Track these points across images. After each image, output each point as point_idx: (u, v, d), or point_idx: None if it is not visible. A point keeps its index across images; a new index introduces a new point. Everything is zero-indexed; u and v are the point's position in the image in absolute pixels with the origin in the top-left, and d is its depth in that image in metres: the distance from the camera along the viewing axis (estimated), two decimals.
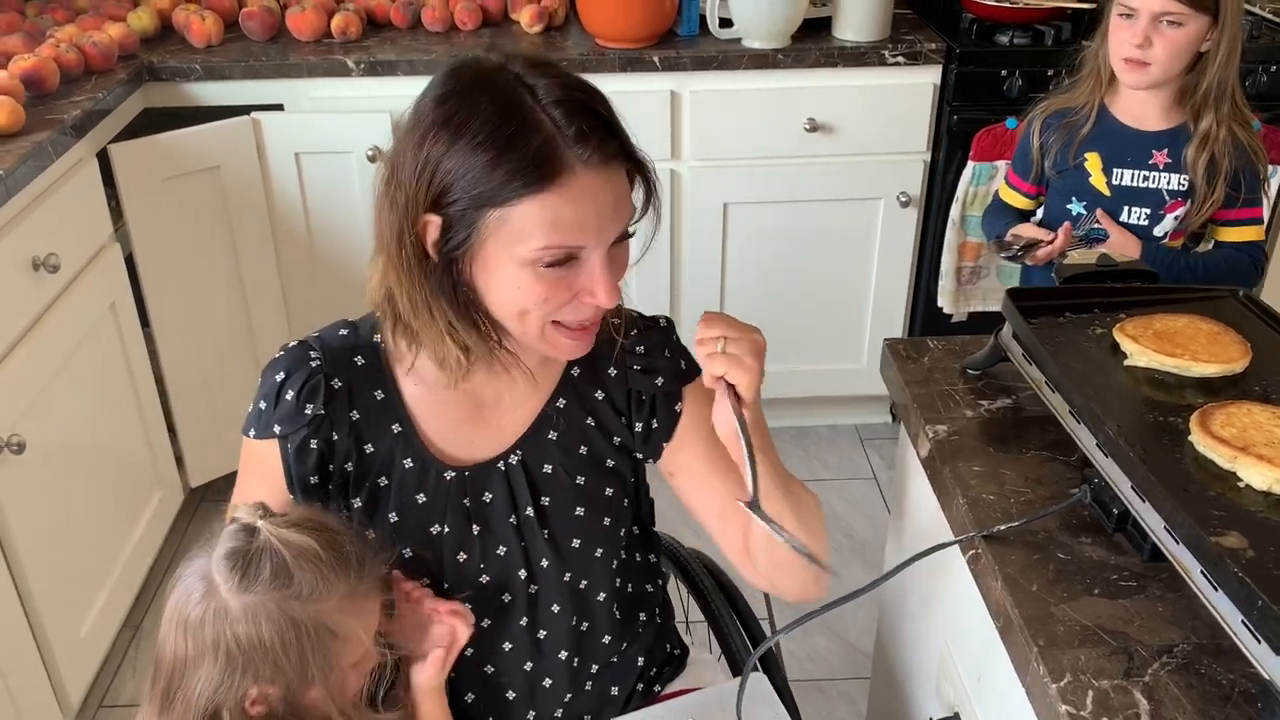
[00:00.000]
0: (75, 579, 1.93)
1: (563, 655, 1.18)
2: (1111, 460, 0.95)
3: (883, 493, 2.62)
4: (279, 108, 2.31)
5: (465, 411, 1.10)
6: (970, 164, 2.40)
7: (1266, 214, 1.79)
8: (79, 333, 1.94)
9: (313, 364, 1.06)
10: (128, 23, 2.32)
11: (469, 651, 1.12)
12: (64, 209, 1.91)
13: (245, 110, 2.28)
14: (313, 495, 1.08)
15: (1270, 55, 2.32)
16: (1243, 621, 0.79)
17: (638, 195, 0.98)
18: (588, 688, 1.21)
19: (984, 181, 2.42)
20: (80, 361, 1.94)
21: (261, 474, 1.09)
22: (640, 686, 1.27)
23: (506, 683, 1.17)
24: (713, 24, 2.36)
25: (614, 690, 1.24)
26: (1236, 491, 0.91)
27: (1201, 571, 0.84)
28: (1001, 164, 2.40)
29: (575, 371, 1.13)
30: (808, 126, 2.37)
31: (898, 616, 1.38)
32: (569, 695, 1.20)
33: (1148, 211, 1.78)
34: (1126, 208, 1.78)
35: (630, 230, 0.98)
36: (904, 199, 2.46)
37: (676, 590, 1.43)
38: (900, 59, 2.33)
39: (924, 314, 2.62)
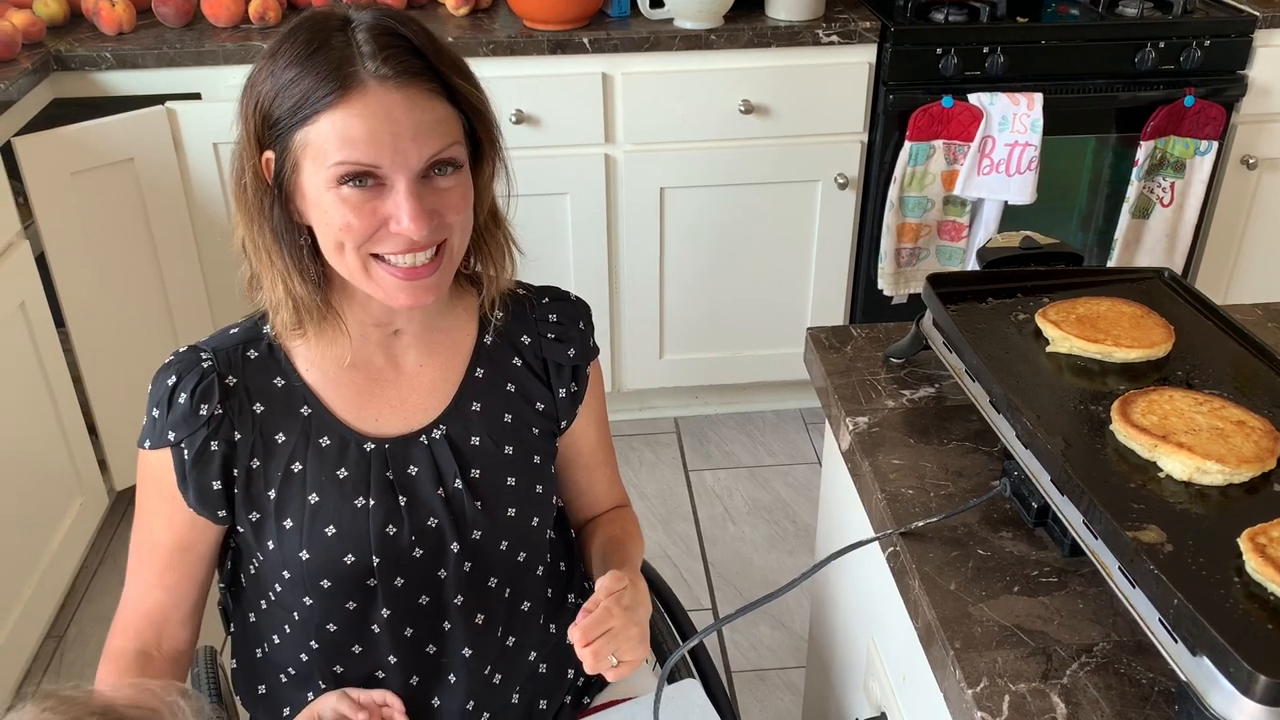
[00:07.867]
0: None
1: (500, 634, 1.13)
2: (1030, 452, 0.92)
3: None
4: (196, 96, 2.22)
5: (366, 387, 1.07)
6: (907, 144, 2.38)
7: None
8: None
9: (204, 364, 1.03)
10: (33, 10, 2.22)
11: (409, 631, 1.09)
12: None
13: (160, 100, 2.19)
14: (211, 503, 1.04)
15: (1205, 29, 2.31)
16: (1160, 620, 0.76)
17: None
18: (515, 697, 1.17)
19: (921, 161, 2.39)
20: None
21: (160, 490, 1.05)
22: (569, 699, 1.23)
23: (447, 664, 1.12)
24: (643, 4, 2.30)
25: (542, 704, 1.19)
26: (1157, 483, 0.88)
27: (1119, 568, 0.81)
28: (939, 143, 2.38)
29: (488, 340, 1.12)
30: (743, 108, 2.32)
31: (828, 610, 1.34)
32: (501, 678, 1.15)
33: None
34: None
35: (457, 159, 0.95)
36: (842, 181, 2.42)
37: None
38: (835, 38, 2.29)
39: (865, 296, 2.59)
